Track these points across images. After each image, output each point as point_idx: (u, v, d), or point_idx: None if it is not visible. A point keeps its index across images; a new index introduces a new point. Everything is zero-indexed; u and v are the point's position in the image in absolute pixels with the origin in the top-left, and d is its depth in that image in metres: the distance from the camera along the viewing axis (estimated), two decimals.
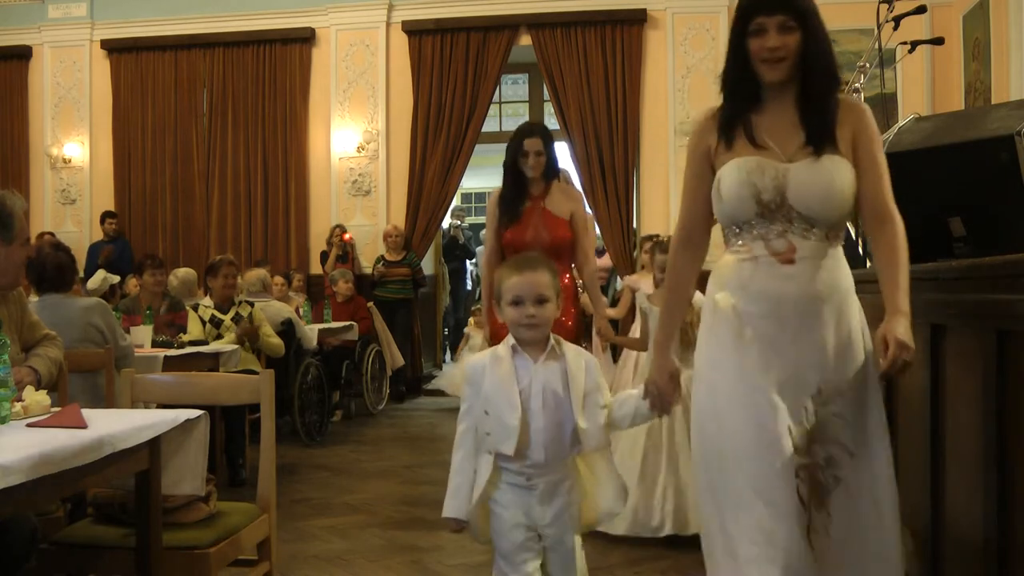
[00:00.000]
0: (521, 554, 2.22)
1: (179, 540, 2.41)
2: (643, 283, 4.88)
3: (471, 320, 8.33)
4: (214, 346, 5.13)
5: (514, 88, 10.41)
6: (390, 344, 8.03)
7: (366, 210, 9.06)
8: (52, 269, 3.88)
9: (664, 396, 2.18)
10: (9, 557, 2.34)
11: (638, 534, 3.74)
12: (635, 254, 8.64)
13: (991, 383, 1.97)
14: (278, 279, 7.37)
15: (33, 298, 3.80)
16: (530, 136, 3.86)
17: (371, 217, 9.03)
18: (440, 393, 8.14)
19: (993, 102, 6.98)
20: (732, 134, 2.09)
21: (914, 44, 4.63)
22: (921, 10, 4.57)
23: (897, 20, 4.26)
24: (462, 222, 11.67)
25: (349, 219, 8.97)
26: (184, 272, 6.46)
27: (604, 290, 8.32)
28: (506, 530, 2.22)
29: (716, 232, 2.20)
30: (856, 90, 3.86)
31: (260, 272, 6.63)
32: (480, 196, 13.94)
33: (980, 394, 2.03)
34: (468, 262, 11.62)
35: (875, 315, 2.03)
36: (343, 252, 8.55)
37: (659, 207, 8.64)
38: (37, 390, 2.39)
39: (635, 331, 4.64)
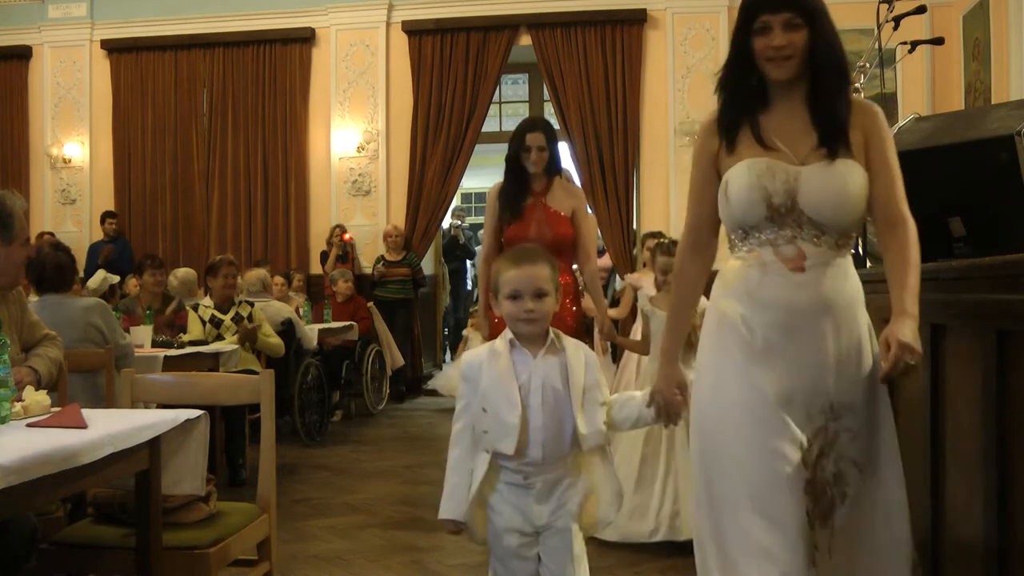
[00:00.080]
0: (514, 561, 2.16)
1: (179, 540, 2.40)
2: (645, 281, 4.80)
3: (469, 322, 8.32)
4: (214, 346, 5.13)
5: (514, 88, 10.41)
6: (390, 344, 8.03)
7: (366, 210, 9.06)
8: (52, 269, 3.88)
9: (671, 407, 2.12)
10: (9, 557, 2.34)
11: (630, 540, 3.70)
12: (635, 251, 8.64)
13: (991, 383, 1.97)
14: (278, 279, 7.37)
15: (33, 298, 3.80)
16: (532, 131, 3.81)
17: (371, 217, 9.04)
18: (440, 393, 8.14)
19: (993, 102, 6.98)
20: (734, 135, 2.02)
21: (914, 44, 4.62)
22: (921, 10, 4.57)
23: (897, 20, 4.26)
24: (462, 222, 11.67)
25: (349, 219, 8.97)
26: (184, 272, 6.46)
27: (604, 290, 8.31)
28: (501, 533, 2.17)
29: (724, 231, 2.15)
30: (856, 90, 3.85)
31: (260, 272, 6.63)
32: (480, 196, 13.94)
33: (980, 394, 2.03)
34: (468, 262, 11.62)
35: (881, 316, 2.01)
36: (343, 252, 8.55)
37: (659, 207, 8.64)
38: (37, 390, 2.39)
39: (636, 332, 4.57)
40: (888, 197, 1.97)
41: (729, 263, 2.06)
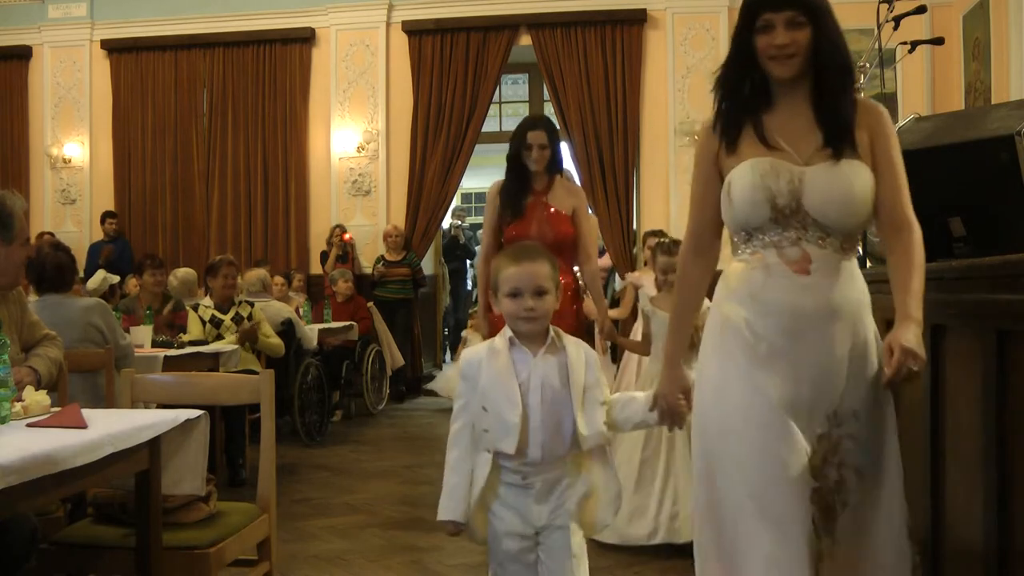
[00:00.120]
0: (514, 564, 2.13)
1: (179, 540, 2.40)
2: (646, 280, 4.74)
3: (469, 323, 8.31)
4: (214, 346, 5.13)
5: (514, 88, 10.41)
6: (390, 344, 8.03)
7: (366, 210, 9.07)
8: (52, 269, 3.88)
9: (674, 411, 2.09)
10: (9, 557, 2.34)
11: (628, 542, 3.68)
12: (635, 250, 8.64)
13: (991, 383, 1.97)
14: (278, 279, 7.37)
15: (33, 298, 3.80)
16: (534, 128, 3.78)
17: (371, 217, 9.04)
18: (440, 395, 8.13)
19: (993, 102, 6.98)
20: (736, 135, 1.99)
21: (914, 44, 4.63)
22: (921, 10, 4.57)
23: (897, 20, 4.26)
24: (463, 222, 11.67)
25: (349, 219, 8.98)
26: (184, 272, 6.46)
27: (603, 290, 8.30)
28: (500, 537, 2.14)
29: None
30: (856, 90, 3.86)
31: (260, 272, 6.63)
32: (480, 196, 13.94)
33: (980, 394, 2.03)
34: (468, 262, 11.63)
35: (882, 317, 2.00)
36: (343, 252, 8.55)
37: (659, 207, 8.65)
38: (37, 390, 2.39)
39: (637, 333, 4.52)
40: (893, 200, 1.94)
41: (732, 265, 2.02)
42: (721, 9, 8.47)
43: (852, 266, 1.96)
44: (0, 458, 1.72)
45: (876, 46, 4.19)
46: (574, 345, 2.16)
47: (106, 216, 9.14)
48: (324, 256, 8.70)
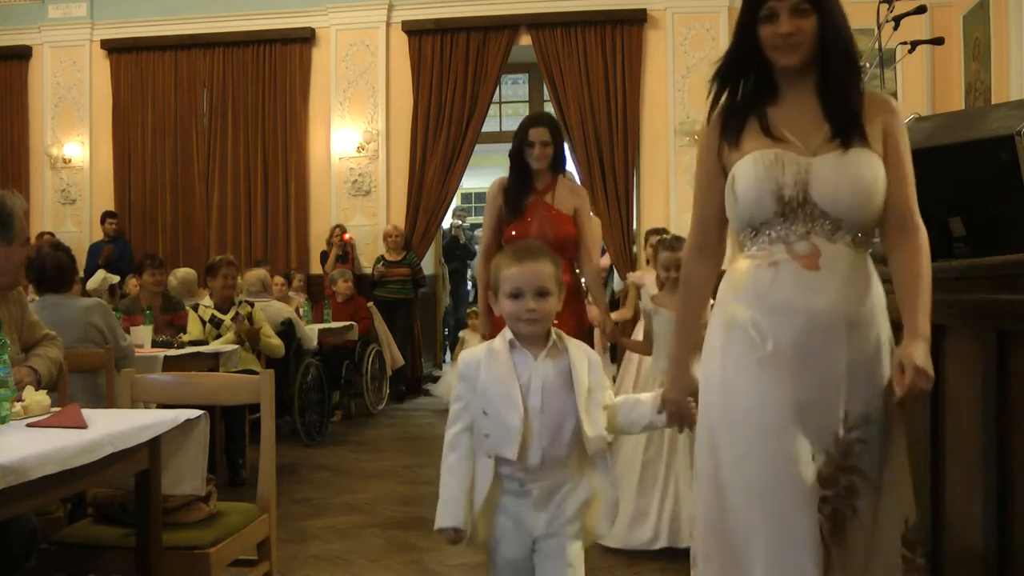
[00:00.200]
0: (509, 573, 2.07)
1: (179, 540, 2.40)
2: (647, 279, 4.65)
3: (469, 323, 8.30)
4: (214, 346, 5.13)
5: (514, 88, 10.42)
6: (390, 344, 8.03)
7: (366, 210, 9.07)
8: (52, 269, 3.88)
9: (683, 414, 2.02)
10: (9, 557, 2.34)
11: (631, 546, 3.64)
12: (635, 249, 8.64)
13: (991, 383, 1.97)
14: (278, 279, 7.37)
15: (33, 298, 3.80)
16: (536, 126, 3.72)
17: (371, 217, 9.04)
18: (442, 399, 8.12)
19: (993, 102, 6.98)
20: (738, 129, 1.93)
21: (914, 44, 4.63)
22: (921, 10, 4.58)
23: (897, 20, 4.27)
24: (463, 222, 11.68)
25: (349, 219, 8.98)
26: (184, 272, 6.47)
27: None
28: (498, 546, 2.07)
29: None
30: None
31: (260, 272, 6.63)
32: (480, 196, 13.94)
33: (980, 394, 2.03)
34: (468, 262, 11.63)
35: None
36: (343, 252, 8.55)
37: (659, 207, 8.65)
38: (37, 390, 2.39)
39: (639, 333, 4.43)
40: (901, 199, 1.87)
41: (737, 263, 1.94)
42: (721, 9, 8.47)
43: (866, 263, 1.88)
44: (0, 458, 1.72)
45: (876, 46, 4.19)
46: (576, 347, 2.08)
47: (106, 216, 9.14)
48: (324, 256, 8.70)
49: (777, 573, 1.77)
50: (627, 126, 8.57)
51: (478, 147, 9.01)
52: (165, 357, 4.50)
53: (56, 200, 9.63)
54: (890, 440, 1.85)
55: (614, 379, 5.06)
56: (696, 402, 2.00)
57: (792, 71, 1.89)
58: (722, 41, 8.09)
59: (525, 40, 8.80)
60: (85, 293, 6.74)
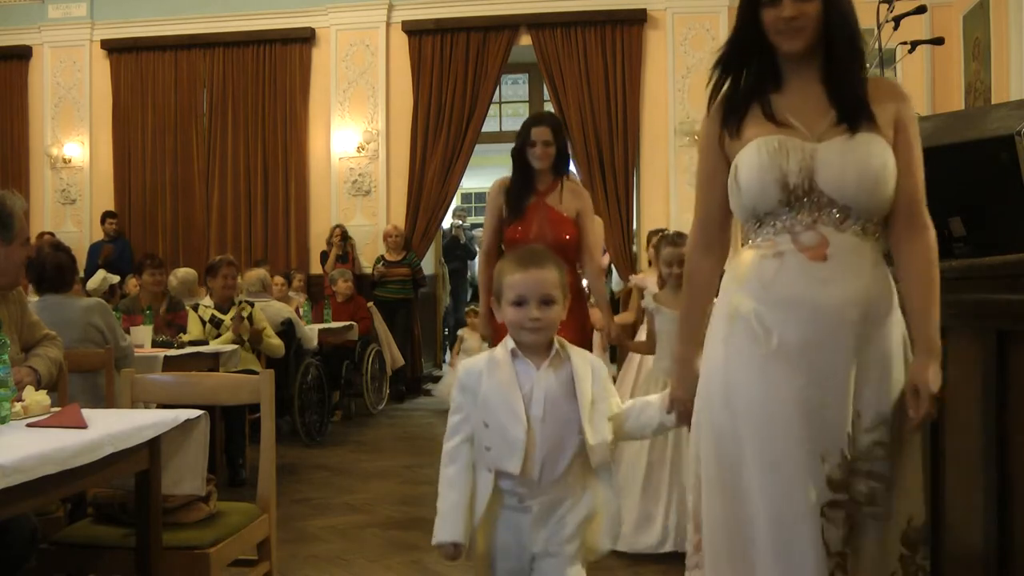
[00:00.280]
0: None
1: (179, 540, 2.40)
2: (649, 282, 4.58)
3: (468, 322, 8.29)
4: (214, 346, 5.13)
5: (514, 88, 10.42)
6: (390, 344, 8.03)
7: (366, 210, 9.07)
8: (52, 269, 3.88)
9: (691, 412, 1.94)
10: (9, 557, 2.34)
11: (636, 550, 3.59)
12: (634, 249, 8.64)
13: (991, 383, 1.97)
14: (278, 279, 7.38)
15: (33, 298, 3.80)
16: (538, 125, 3.66)
17: (371, 217, 9.04)
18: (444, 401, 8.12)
19: (993, 102, 6.99)
20: (741, 116, 1.87)
21: (914, 44, 4.62)
22: (921, 10, 4.58)
23: (897, 20, 4.27)
24: (463, 222, 11.68)
25: (349, 219, 8.98)
26: (184, 272, 6.46)
27: None
28: (497, 559, 2.01)
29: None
30: None
31: (260, 272, 6.63)
32: (480, 196, 13.94)
33: (980, 394, 2.03)
34: (469, 262, 11.63)
35: None
36: (343, 252, 8.56)
37: (659, 207, 8.65)
38: (37, 390, 2.39)
39: (642, 334, 4.35)
40: (911, 193, 1.80)
41: (741, 254, 1.87)
42: (721, 9, 8.47)
43: (876, 253, 1.80)
44: (0, 458, 1.72)
45: (876, 46, 4.19)
46: (579, 356, 2.01)
47: (106, 216, 9.15)
48: (324, 256, 8.71)
49: (778, 573, 1.73)
50: (627, 126, 8.57)
51: (478, 147, 9.01)
52: (165, 357, 4.50)
53: (56, 200, 9.63)
54: (904, 438, 1.79)
55: (614, 379, 5.01)
56: None
57: (796, 56, 1.83)
58: (722, 41, 8.05)
59: (525, 40, 8.80)
60: (86, 293, 6.74)
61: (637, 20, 8.63)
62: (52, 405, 2.37)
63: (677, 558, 3.52)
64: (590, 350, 3.58)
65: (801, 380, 1.73)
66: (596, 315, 4.04)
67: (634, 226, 8.73)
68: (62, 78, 9.63)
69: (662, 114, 8.63)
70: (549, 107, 9.00)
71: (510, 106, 10.36)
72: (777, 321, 1.76)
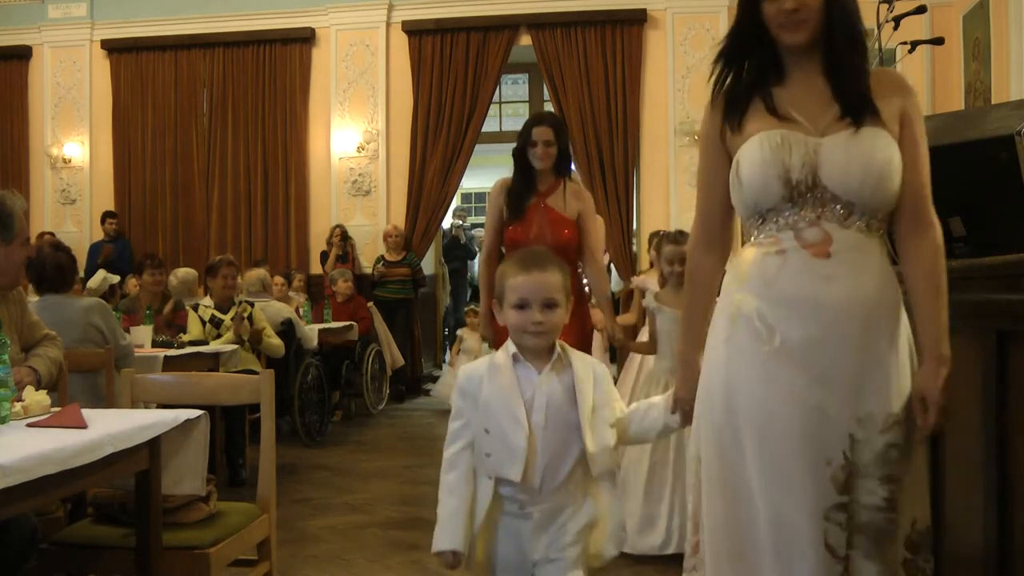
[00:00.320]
0: None
1: (179, 540, 2.40)
2: (651, 283, 4.54)
3: (468, 322, 8.29)
4: (214, 346, 5.13)
5: (514, 88, 10.42)
6: (390, 344, 8.03)
7: (366, 210, 9.07)
8: (52, 269, 3.88)
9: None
10: (9, 557, 2.34)
11: (639, 551, 3.55)
12: (634, 249, 8.64)
13: (991, 383, 1.97)
14: (278, 279, 7.37)
15: (33, 298, 3.80)
16: (539, 125, 3.63)
17: (371, 217, 9.04)
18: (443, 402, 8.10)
19: (993, 102, 6.99)
20: (742, 111, 1.83)
21: (914, 44, 4.63)
22: (921, 10, 4.58)
23: (897, 20, 4.27)
24: (464, 222, 11.68)
25: (349, 219, 8.98)
26: (184, 272, 6.46)
27: None
28: (497, 568, 1.97)
29: None
30: None
31: (260, 272, 6.63)
32: (480, 196, 13.94)
33: (980, 394, 2.03)
34: (469, 262, 11.64)
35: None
36: (343, 252, 8.56)
37: (659, 207, 8.65)
38: (37, 390, 2.39)
39: (644, 335, 4.30)
40: (916, 190, 1.77)
41: (743, 252, 1.84)
42: (721, 9, 8.47)
43: (880, 251, 1.77)
44: (0, 458, 1.72)
45: (876, 46, 4.19)
46: (581, 361, 1.98)
47: (106, 216, 9.15)
48: (324, 256, 8.71)
49: (778, 574, 1.71)
50: (627, 126, 8.57)
51: (478, 147, 9.01)
52: (165, 357, 4.50)
53: (56, 200, 9.63)
54: (913, 439, 1.76)
55: (614, 380, 5.00)
56: None
57: (798, 50, 1.80)
58: None
59: (525, 40, 8.80)
60: (86, 293, 6.74)
61: (637, 20, 8.63)
62: (52, 405, 2.37)
63: (679, 560, 3.50)
64: (590, 351, 3.60)
65: (803, 379, 1.70)
66: (597, 315, 4.01)
67: (634, 226, 8.73)
68: (62, 78, 9.63)
69: (662, 114, 8.63)
70: (549, 107, 8.99)
71: (510, 106, 10.36)
72: (779, 320, 1.72)
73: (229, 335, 5.32)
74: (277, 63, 9.20)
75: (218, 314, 5.41)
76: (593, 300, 4.05)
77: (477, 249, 11.43)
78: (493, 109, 9.38)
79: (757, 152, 1.77)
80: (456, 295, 11.36)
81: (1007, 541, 1.93)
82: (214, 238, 9.29)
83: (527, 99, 9.80)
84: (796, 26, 1.76)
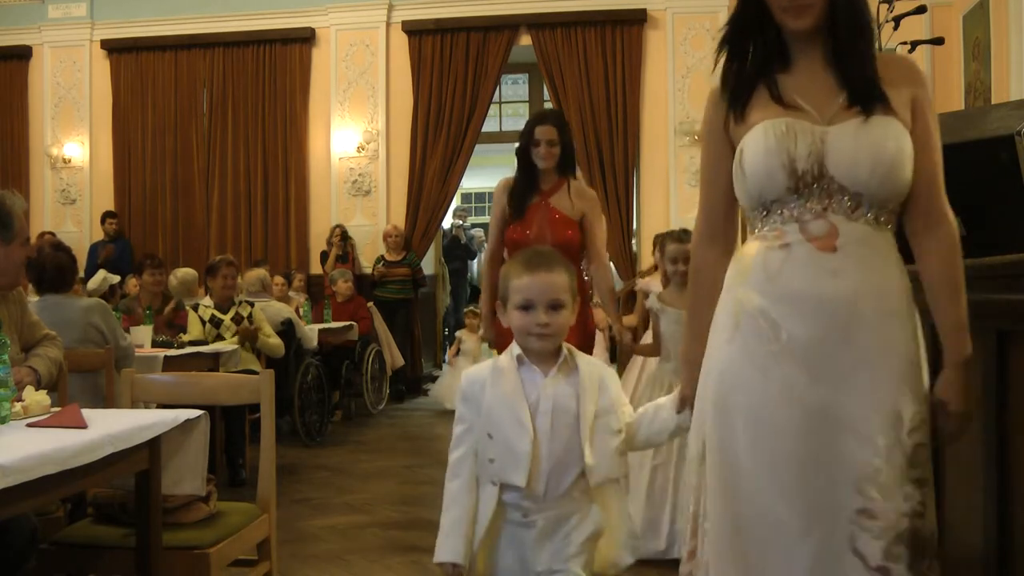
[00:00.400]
0: None
1: (179, 540, 2.40)
2: (654, 285, 4.49)
3: (467, 322, 8.27)
4: (214, 346, 5.13)
5: (514, 88, 10.42)
6: (390, 344, 8.03)
7: (366, 210, 9.07)
8: (52, 269, 3.88)
9: None
10: (9, 557, 2.34)
11: (642, 556, 3.51)
12: (634, 249, 8.64)
13: (991, 383, 1.97)
14: (278, 279, 7.38)
15: (33, 298, 3.80)
16: (542, 123, 3.58)
17: (371, 217, 9.04)
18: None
19: (993, 102, 6.98)
20: (746, 99, 1.76)
21: (914, 44, 4.63)
22: (921, 10, 4.58)
23: (897, 20, 4.27)
24: (464, 222, 11.68)
25: (349, 219, 8.98)
26: (184, 272, 6.46)
27: None
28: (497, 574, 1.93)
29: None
30: None
31: (260, 272, 6.63)
32: (480, 196, 13.95)
33: (980, 394, 2.03)
34: (469, 262, 11.64)
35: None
36: (343, 252, 8.56)
37: (659, 207, 8.64)
38: (37, 390, 2.39)
39: (648, 339, 4.25)
40: (928, 179, 1.70)
41: (746, 246, 1.76)
42: (721, 9, 8.45)
43: (889, 245, 1.69)
44: (0, 458, 1.72)
45: (876, 46, 4.19)
46: (588, 364, 1.92)
47: (106, 216, 9.15)
48: (324, 256, 8.71)
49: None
50: (627, 126, 8.56)
51: (478, 147, 9.01)
52: (165, 357, 4.51)
53: (56, 200, 9.63)
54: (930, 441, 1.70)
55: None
56: None
57: (803, 36, 1.73)
58: None
59: (525, 40, 8.80)
60: (87, 293, 6.74)
61: (637, 20, 8.63)
62: (52, 405, 2.37)
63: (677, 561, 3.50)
64: (592, 352, 3.58)
65: (805, 378, 1.63)
66: (599, 315, 3.97)
67: (634, 226, 8.73)
68: (62, 78, 9.63)
69: (662, 114, 8.63)
70: (549, 107, 8.99)
71: (510, 106, 10.36)
72: (783, 316, 1.65)
73: (234, 338, 5.32)
74: (277, 63, 9.19)
75: (218, 314, 5.41)
76: (595, 300, 4.01)
77: (477, 249, 11.44)
78: (493, 109, 9.38)
79: (761, 141, 1.69)
80: (456, 295, 11.36)
81: (1007, 541, 1.93)
82: (214, 238, 9.29)
83: (527, 99, 9.80)
84: (800, 11, 1.69)
